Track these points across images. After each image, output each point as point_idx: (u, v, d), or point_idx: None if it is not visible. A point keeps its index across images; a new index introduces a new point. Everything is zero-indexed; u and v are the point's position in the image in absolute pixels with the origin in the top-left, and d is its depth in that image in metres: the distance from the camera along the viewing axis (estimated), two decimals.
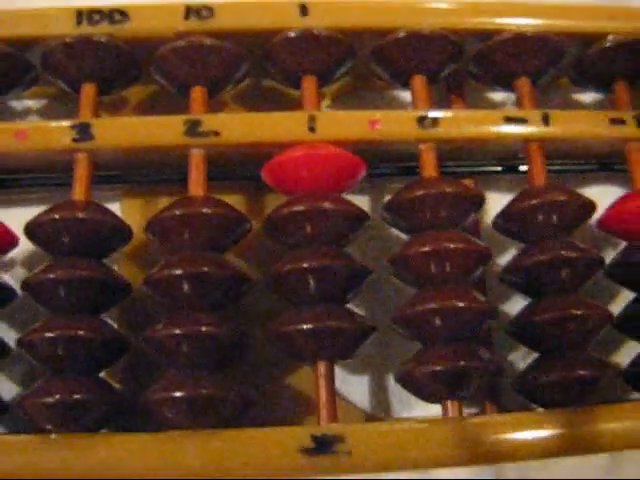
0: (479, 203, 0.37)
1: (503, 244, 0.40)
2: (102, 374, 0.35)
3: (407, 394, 0.35)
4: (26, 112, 0.42)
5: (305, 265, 0.34)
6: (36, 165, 0.38)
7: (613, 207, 0.38)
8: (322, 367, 0.34)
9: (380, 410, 0.38)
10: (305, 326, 0.34)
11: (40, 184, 0.39)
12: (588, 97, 0.44)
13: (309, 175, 0.36)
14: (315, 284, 0.34)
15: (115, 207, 0.39)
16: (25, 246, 0.37)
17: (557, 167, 0.40)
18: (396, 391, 0.37)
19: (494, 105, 0.43)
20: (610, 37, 0.39)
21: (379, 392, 0.39)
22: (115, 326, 0.36)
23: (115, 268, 0.37)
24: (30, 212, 0.36)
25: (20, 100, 0.42)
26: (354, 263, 0.35)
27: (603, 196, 0.39)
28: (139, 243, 0.38)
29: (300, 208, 0.35)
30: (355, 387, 0.39)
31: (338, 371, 0.38)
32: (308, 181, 0.36)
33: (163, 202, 0.39)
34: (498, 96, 0.43)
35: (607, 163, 0.41)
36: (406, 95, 0.41)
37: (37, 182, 0.39)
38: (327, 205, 0.35)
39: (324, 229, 0.35)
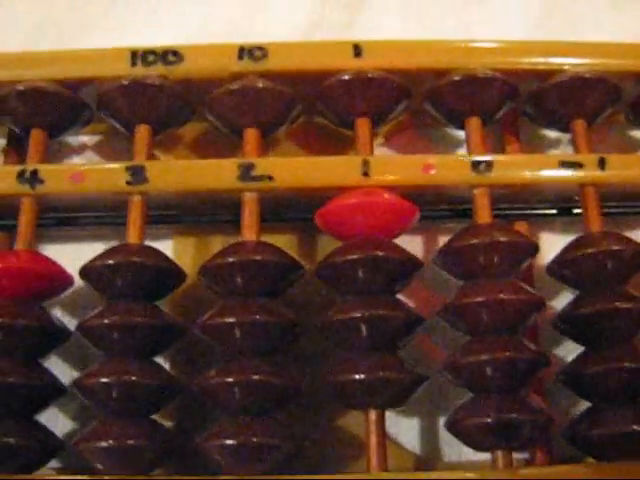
0: (533, 251, 0.36)
1: (557, 289, 0.39)
2: (156, 416, 0.36)
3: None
4: (82, 148, 0.43)
5: (357, 314, 0.34)
6: (92, 204, 0.39)
7: None
8: (373, 414, 0.34)
9: (430, 454, 0.38)
10: (358, 376, 0.34)
11: (95, 223, 0.39)
12: None
13: (363, 221, 0.36)
14: (367, 333, 0.34)
15: (167, 245, 0.40)
16: (80, 284, 0.37)
17: (614, 210, 0.39)
18: (446, 435, 0.37)
19: (549, 144, 0.42)
20: None
21: (430, 436, 0.38)
22: (168, 368, 0.37)
23: (167, 309, 0.38)
24: (85, 249, 0.37)
25: (76, 136, 0.42)
26: (407, 311, 0.35)
27: None
28: (192, 283, 0.38)
29: (354, 256, 0.35)
30: (406, 430, 0.38)
31: (389, 414, 0.38)
32: (361, 227, 0.36)
33: (216, 242, 0.40)
34: (553, 134, 0.42)
35: None
36: (459, 133, 0.41)
37: (93, 221, 0.39)
38: (380, 253, 0.35)
39: (377, 276, 0.35)
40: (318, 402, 0.37)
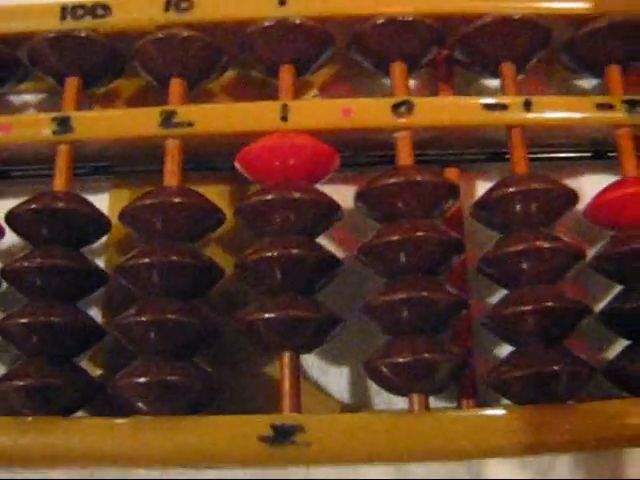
0: (455, 192, 0.36)
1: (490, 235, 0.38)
2: (79, 361, 0.36)
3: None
4: (24, 107, 0.43)
5: (272, 254, 0.34)
6: (23, 158, 0.39)
7: (599, 196, 0.37)
8: (286, 357, 0.34)
9: (358, 402, 0.38)
10: (269, 315, 0.34)
11: (27, 176, 0.40)
12: (588, 83, 0.42)
13: (281, 165, 0.36)
14: (282, 273, 0.34)
15: (104, 198, 0.40)
16: (11, 237, 0.38)
17: (546, 155, 0.39)
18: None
19: (487, 92, 0.42)
20: (601, 19, 0.38)
21: (357, 384, 0.38)
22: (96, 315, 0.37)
23: (101, 258, 0.38)
24: (16, 203, 0.37)
25: (19, 95, 0.43)
26: (323, 253, 0.35)
27: (596, 185, 0.38)
28: (123, 234, 0.39)
29: (270, 197, 0.35)
30: (334, 378, 0.38)
31: (318, 362, 0.38)
32: (281, 170, 0.36)
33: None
34: (493, 83, 0.42)
35: (599, 151, 0.39)
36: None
37: (24, 174, 0.40)
38: (297, 194, 0.35)
39: (294, 219, 0.35)
40: (238, 347, 0.37)
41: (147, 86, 0.41)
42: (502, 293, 0.36)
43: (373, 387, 0.38)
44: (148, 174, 0.40)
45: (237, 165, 0.37)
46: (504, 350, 0.37)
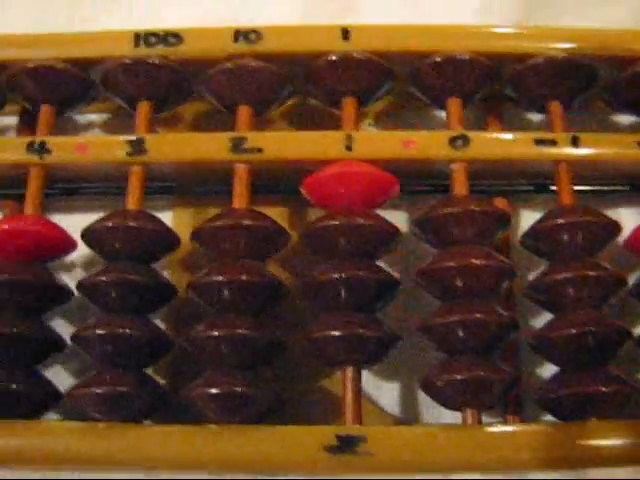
0: (505, 221, 0.38)
1: (535, 262, 0.41)
2: (148, 371, 0.38)
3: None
4: (89, 126, 0.46)
5: (337, 275, 0.37)
6: (95, 175, 0.41)
7: (638, 228, 0.39)
8: (349, 372, 0.36)
9: (408, 415, 0.40)
10: (334, 333, 0.36)
11: (98, 193, 0.42)
12: (626, 120, 0.45)
13: (345, 191, 0.38)
14: (346, 293, 0.37)
15: (167, 216, 0.42)
16: (83, 250, 0.40)
17: (589, 188, 0.41)
18: (425, 398, 0.39)
19: (532, 127, 0.44)
20: None
21: (408, 399, 0.40)
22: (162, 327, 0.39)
23: (165, 273, 0.40)
24: (89, 218, 0.39)
25: (83, 114, 0.45)
26: (384, 275, 0.37)
27: (633, 217, 0.40)
28: (187, 251, 0.41)
29: (334, 222, 0.37)
30: (385, 393, 0.40)
31: (370, 378, 0.40)
32: (344, 197, 0.38)
33: (211, 213, 0.42)
34: (535, 118, 0.44)
35: (636, 184, 0.42)
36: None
37: (96, 191, 0.42)
38: (360, 220, 0.37)
39: (357, 242, 0.37)
40: (301, 362, 0.39)
41: (209, 111, 0.44)
42: (546, 317, 0.39)
43: (423, 403, 0.40)
44: (210, 195, 0.42)
45: (303, 190, 0.39)
46: (546, 371, 0.39)
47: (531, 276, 0.40)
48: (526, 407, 0.39)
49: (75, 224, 0.40)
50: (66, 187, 0.42)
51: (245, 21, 0.43)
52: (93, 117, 0.46)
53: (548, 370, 0.39)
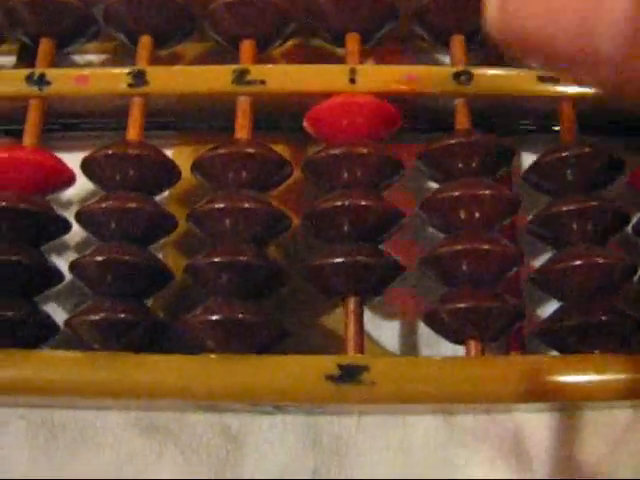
0: (509, 155, 0.38)
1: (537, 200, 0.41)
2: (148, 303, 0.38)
3: (435, 338, 0.37)
4: (87, 66, 0.45)
5: (339, 203, 0.36)
6: (95, 110, 0.41)
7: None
8: (351, 303, 0.36)
9: (409, 353, 0.40)
10: (336, 260, 0.36)
11: (98, 128, 0.42)
12: None
13: (347, 122, 0.38)
14: (348, 223, 0.36)
15: (167, 153, 0.42)
16: (81, 185, 0.40)
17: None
18: (426, 337, 0.39)
19: None
20: None
21: (409, 336, 0.40)
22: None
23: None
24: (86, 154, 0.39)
25: (82, 55, 0.45)
26: (387, 205, 0.37)
27: None
28: (186, 186, 0.41)
29: (338, 152, 0.37)
30: (386, 331, 0.40)
31: (370, 315, 0.40)
32: (346, 128, 0.38)
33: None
34: None
35: None
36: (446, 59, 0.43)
37: (95, 126, 0.42)
38: (363, 150, 0.37)
39: (359, 173, 0.37)
40: (303, 293, 0.39)
41: (210, 50, 0.44)
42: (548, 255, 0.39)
43: (424, 341, 0.40)
44: (211, 131, 0.42)
45: (306, 124, 0.39)
46: (549, 308, 0.39)
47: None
48: (529, 345, 0.38)
49: (73, 160, 0.39)
50: (64, 122, 0.42)
51: None
52: (92, 57, 0.45)
53: (551, 308, 0.39)
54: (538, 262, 0.40)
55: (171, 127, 0.42)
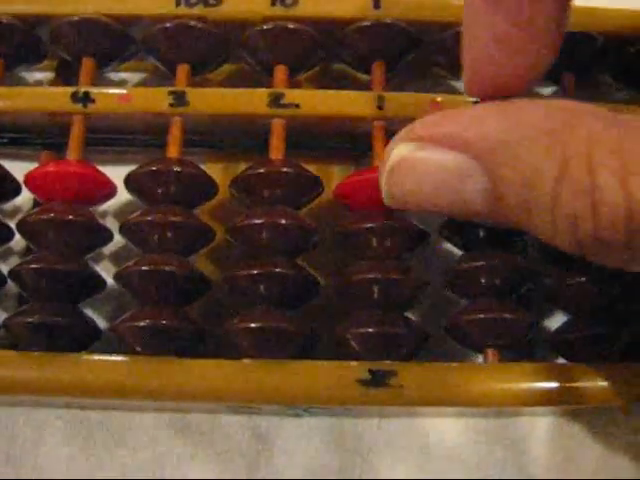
0: None
1: None
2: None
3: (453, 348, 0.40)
4: (122, 84, 0.47)
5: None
6: (135, 127, 0.43)
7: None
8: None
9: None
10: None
11: (138, 145, 0.44)
12: None
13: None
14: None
15: None
16: (121, 198, 0.42)
17: None
18: (442, 344, 0.42)
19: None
20: None
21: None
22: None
23: None
24: (129, 169, 0.41)
25: (117, 73, 0.47)
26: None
27: None
28: (219, 201, 0.43)
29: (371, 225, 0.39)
30: None
31: None
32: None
33: (242, 166, 0.44)
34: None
35: None
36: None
37: (134, 142, 0.44)
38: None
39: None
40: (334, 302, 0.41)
41: (239, 74, 0.46)
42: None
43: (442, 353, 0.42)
44: (240, 149, 0.45)
45: (334, 194, 0.42)
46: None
47: None
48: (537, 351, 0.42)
49: (112, 173, 0.42)
50: (104, 137, 0.44)
51: None
52: (125, 75, 0.47)
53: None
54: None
55: (203, 144, 0.44)
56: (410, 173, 0.30)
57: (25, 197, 0.43)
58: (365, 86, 0.45)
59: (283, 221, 0.39)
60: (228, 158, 0.45)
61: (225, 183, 0.42)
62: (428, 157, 0.29)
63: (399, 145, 0.31)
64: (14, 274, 0.39)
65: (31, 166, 0.44)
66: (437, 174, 0.30)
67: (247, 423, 0.41)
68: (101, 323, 0.42)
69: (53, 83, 0.46)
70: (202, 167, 0.42)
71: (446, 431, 0.41)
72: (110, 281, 0.41)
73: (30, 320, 0.38)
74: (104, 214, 0.45)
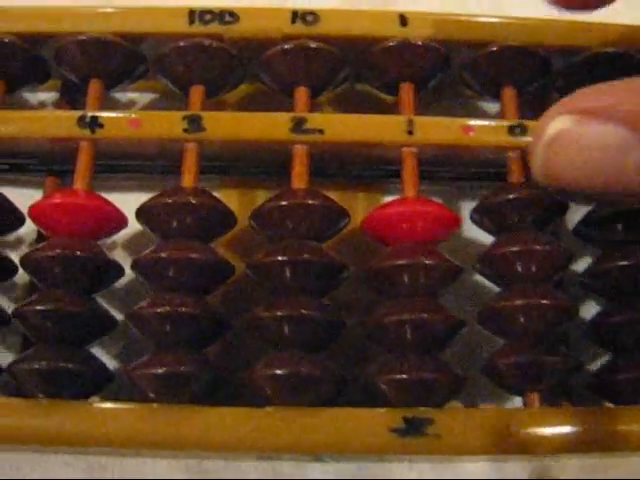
0: (563, 209, 0.39)
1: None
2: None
3: (493, 389, 0.38)
4: (131, 105, 0.45)
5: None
6: (147, 153, 0.40)
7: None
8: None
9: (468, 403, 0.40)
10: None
11: (149, 172, 0.42)
12: None
13: (408, 229, 0.38)
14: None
15: None
16: (132, 228, 0.39)
17: None
18: (482, 385, 0.39)
19: None
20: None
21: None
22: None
23: None
24: (139, 197, 0.38)
25: (125, 93, 0.44)
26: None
27: None
28: (236, 231, 0.40)
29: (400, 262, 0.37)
30: None
31: None
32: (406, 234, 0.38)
33: (259, 194, 0.42)
34: None
35: None
36: (489, 106, 0.44)
37: (146, 169, 0.41)
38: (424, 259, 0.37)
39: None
40: (362, 344, 0.39)
41: (255, 94, 0.43)
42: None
43: (481, 389, 0.40)
44: (256, 175, 0.42)
45: (363, 227, 0.39)
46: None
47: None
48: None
49: (125, 202, 0.39)
50: (110, 164, 0.41)
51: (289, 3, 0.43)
52: (133, 95, 0.45)
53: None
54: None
55: (218, 170, 0.42)
56: (570, 147, 0.27)
57: (28, 227, 0.40)
58: (390, 108, 0.42)
59: (309, 257, 0.36)
60: (243, 183, 0.43)
61: (241, 211, 0.39)
62: (589, 131, 0.27)
63: (557, 118, 0.28)
64: (19, 314, 0.37)
65: (34, 193, 0.42)
66: (597, 149, 0.27)
67: (268, 469, 0.39)
68: (110, 361, 0.39)
69: (57, 104, 0.43)
70: (216, 194, 0.40)
71: (480, 474, 0.39)
72: (120, 316, 0.38)
73: (36, 366, 0.35)
74: (112, 245, 0.42)
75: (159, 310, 0.36)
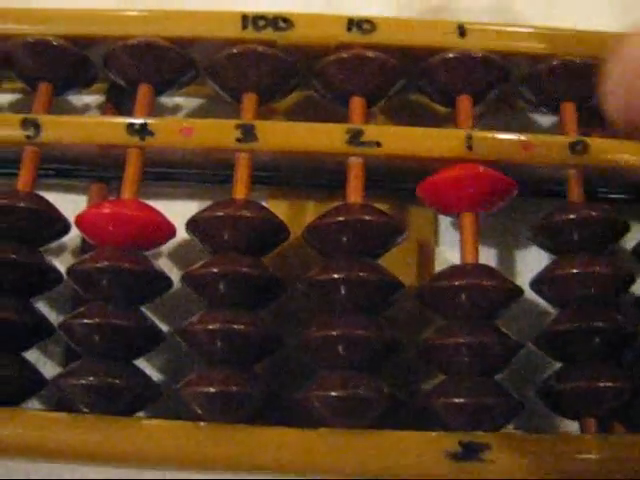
0: (625, 229, 0.38)
1: None
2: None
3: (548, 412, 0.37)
4: (176, 109, 0.44)
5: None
6: (195, 161, 0.39)
7: None
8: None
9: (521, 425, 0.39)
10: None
11: (200, 180, 0.40)
12: None
13: (465, 194, 0.37)
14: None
15: None
16: (178, 237, 0.38)
17: None
18: (537, 409, 0.38)
19: None
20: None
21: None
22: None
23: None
24: (188, 206, 0.37)
25: (171, 97, 0.43)
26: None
27: None
28: (290, 242, 0.39)
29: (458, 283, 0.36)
30: None
31: None
32: (463, 200, 0.37)
33: (308, 207, 0.41)
34: None
35: None
36: (542, 120, 0.43)
37: (197, 178, 0.40)
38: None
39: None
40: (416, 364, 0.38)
41: (309, 100, 0.42)
42: None
43: (536, 413, 0.39)
44: (305, 187, 0.41)
45: (419, 192, 0.38)
46: None
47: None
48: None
49: (174, 211, 0.38)
50: (156, 171, 0.40)
51: (341, 10, 0.41)
52: (180, 100, 0.43)
53: None
54: None
55: (267, 181, 0.41)
56: None
57: (72, 234, 0.39)
58: (443, 119, 0.41)
59: (366, 275, 0.35)
60: (293, 194, 0.42)
61: (291, 223, 0.38)
62: None
63: None
64: (66, 327, 0.36)
65: (80, 199, 0.41)
66: None
67: None
68: (155, 374, 0.38)
69: (103, 108, 0.42)
70: (265, 204, 0.39)
71: None
72: (166, 328, 0.38)
73: (83, 382, 0.34)
74: (157, 254, 0.40)
75: (210, 327, 0.35)
